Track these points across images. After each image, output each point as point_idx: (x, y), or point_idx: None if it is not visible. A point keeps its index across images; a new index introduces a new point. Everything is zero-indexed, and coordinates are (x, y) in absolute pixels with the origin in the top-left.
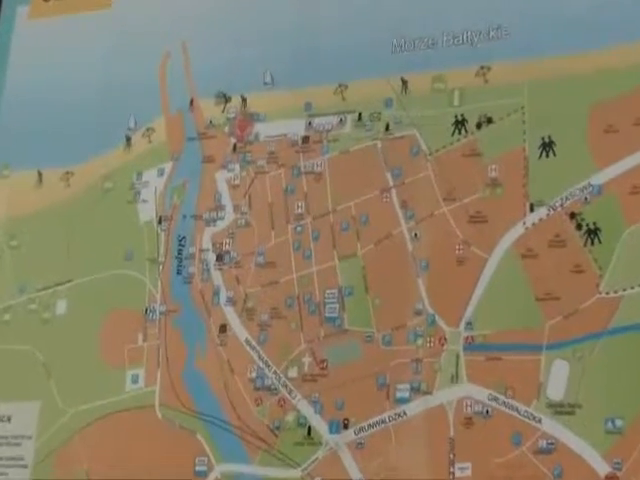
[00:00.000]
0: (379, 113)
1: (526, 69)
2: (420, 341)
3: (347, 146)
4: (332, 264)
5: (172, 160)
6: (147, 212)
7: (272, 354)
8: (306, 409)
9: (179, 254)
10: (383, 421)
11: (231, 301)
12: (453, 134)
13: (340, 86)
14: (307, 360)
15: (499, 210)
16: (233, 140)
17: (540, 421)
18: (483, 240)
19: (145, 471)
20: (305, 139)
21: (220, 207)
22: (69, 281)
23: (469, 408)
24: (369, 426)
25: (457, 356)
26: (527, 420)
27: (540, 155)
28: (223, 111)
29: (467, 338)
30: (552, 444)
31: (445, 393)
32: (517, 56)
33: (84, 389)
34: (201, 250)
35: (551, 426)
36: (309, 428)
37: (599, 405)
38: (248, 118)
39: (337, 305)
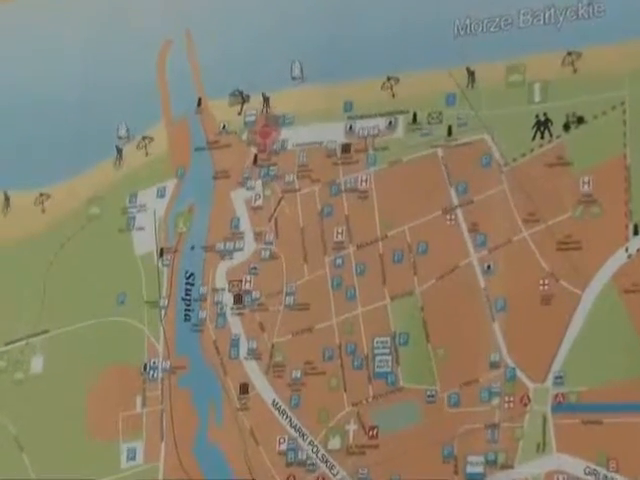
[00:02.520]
0: (439, 113)
1: (627, 55)
2: (496, 401)
3: (399, 155)
4: (382, 304)
5: (176, 177)
6: (144, 243)
7: (307, 420)
8: None
9: (186, 295)
10: None
11: (254, 354)
12: (534, 138)
13: (389, 80)
14: (352, 427)
15: (595, 234)
16: (253, 150)
17: None
18: (575, 272)
19: None
20: (345, 147)
21: (238, 235)
22: (46, 332)
23: None
24: None
25: (544, 419)
26: None
27: None
28: (240, 113)
29: (557, 396)
30: None
31: (530, 466)
32: (615, 39)
33: (67, 468)
34: (214, 290)
35: None
36: None
37: None
38: (272, 122)
39: (389, 357)
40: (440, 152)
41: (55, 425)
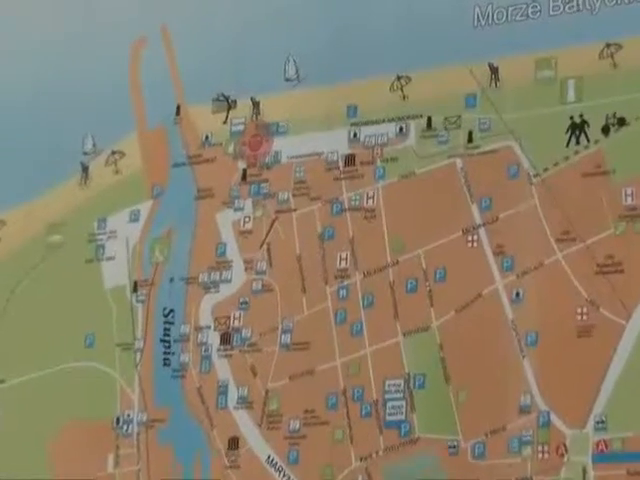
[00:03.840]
0: (458, 117)
1: None
2: (528, 451)
3: (411, 167)
4: (394, 342)
5: (151, 197)
6: (115, 275)
7: (309, 479)
8: None
9: (165, 336)
10: None
11: (245, 402)
12: (568, 144)
13: (399, 79)
14: None
15: None
16: (242, 164)
17: None
18: (618, 299)
19: None
20: (349, 159)
21: (225, 264)
22: (1, 382)
23: None
24: None
25: (584, 471)
26: None
27: None
28: (225, 122)
29: (598, 444)
30: None
31: None
32: None
33: None
34: (198, 328)
35: None
36: None
37: None
38: (263, 131)
39: (403, 403)
40: (459, 162)
41: None
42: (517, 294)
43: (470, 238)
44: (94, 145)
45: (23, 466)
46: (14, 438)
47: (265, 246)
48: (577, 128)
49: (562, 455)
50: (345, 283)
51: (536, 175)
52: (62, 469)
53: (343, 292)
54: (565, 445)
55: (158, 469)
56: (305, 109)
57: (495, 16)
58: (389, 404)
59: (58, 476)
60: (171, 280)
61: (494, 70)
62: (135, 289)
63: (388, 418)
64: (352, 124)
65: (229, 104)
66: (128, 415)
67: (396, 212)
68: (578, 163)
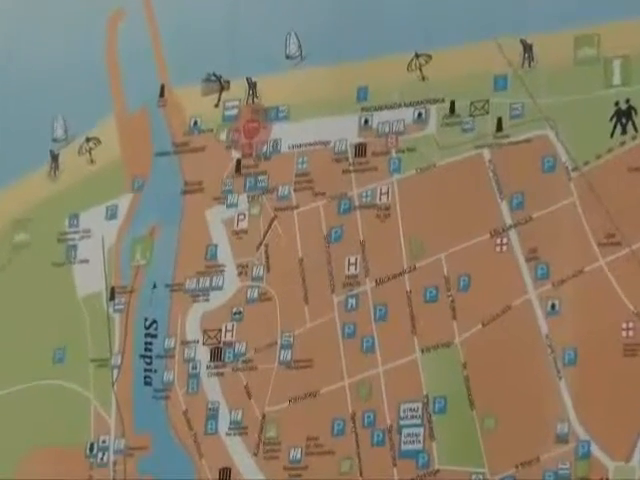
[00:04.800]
0: (485, 102)
1: None
2: None
3: (431, 159)
4: (411, 360)
5: (131, 191)
6: (90, 281)
7: None
8: None
9: (147, 351)
10: None
11: (238, 428)
12: (613, 134)
13: (417, 57)
14: None
15: None
16: (236, 154)
17: None
18: None
19: None
20: (359, 149)
21: (216, 269)
22: None
23: None
24: None
25: None
26: None
27: None
28: (217, 105)
29: None
30: None
31: None
32: None
33: None
34: (184, 342)
35: None
36: None
37: None
38: (260, 116)
39: (421, 429)
40: (487, 153)
41: None
42: (553, 306)
43: (499, 241)
44: (65, 131)
45: None
46: None
47: (262, 248)
48: (623, 115)
49: None
50: (354, 292)
51: (575, 169)
52: None
53: (352, 302)
54: (609, 479)
55: None
56: (309, 91)
57: None
58: (405, 431)
59: None
60: (154, 287)
61: (528, 48)
62: (112, 297)
63: (403, 447)
64: (363, 109)
65: (221, 85)
66: (103, 442)
67: (414, 210)
68: (624, 156)
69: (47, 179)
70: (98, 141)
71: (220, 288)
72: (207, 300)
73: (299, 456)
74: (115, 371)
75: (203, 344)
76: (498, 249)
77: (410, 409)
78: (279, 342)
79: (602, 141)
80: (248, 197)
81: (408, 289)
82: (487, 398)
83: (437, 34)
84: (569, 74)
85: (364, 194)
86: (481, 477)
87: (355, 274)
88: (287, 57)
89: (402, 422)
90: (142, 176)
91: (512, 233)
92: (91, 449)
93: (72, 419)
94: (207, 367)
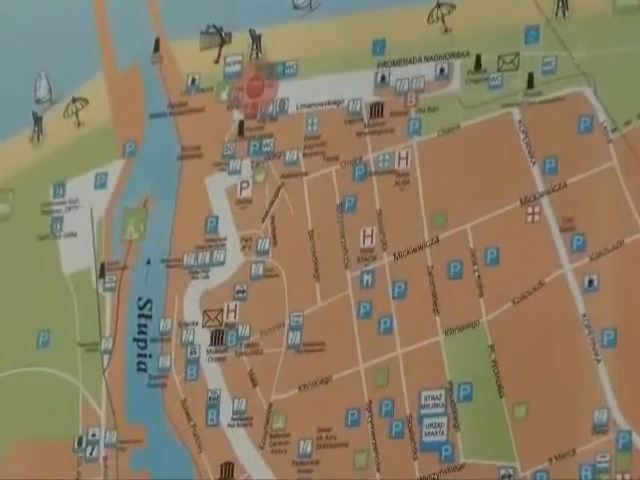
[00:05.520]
0: (515, 55)
1: None
2: None
3: (455, 119)
4: (433, 342)
5: (123, 157)
6: (77, 256)
7: None
8: None
9: (140, 333)
10: None
11: (242, 418)
12: None
13: (439, 7)
14: None
15: None
16: (238, 115)
17: None
18: None
19: None
20: (375, 109)
21: (216, 243)
22: None
23: None
24: None
25: None
26: None
27: None
28: (217, 61)
29: None
30: None
31: None
32: None
33: None
34: (182, 324)
35: None
36: None
37: None
38: (265, 73)
39: (444, 419)
40: (517, 113)
41: None
42: (590, 281)
43: (530, 210)
44: (50, 91)
45: None
46: None
47: (268, 219)
48: None
49: None
50: (370, 267)
51: (615, 130)
52: None
53: (368, 278)
54: None
55: None
56: (319, 45)
57: None
58: (426, 421)
59: None
60: (148, 262)
61: None
62: (102, 274)
63: (425, 439)
64: (379, 64)
65: (222, 38)
66: (93, 435)
67: (436, 176)
68: None
69: (29, 144)
70: (86, 101)
71: (221, 264)
72: (207, 277)
73: (309, 449)
74: (106, 356)
75: (203, 326)
76: (529, 219)
77: (432, 397)
78: (287, 323)
79: None
80: (252, 163)
81: (430, 264)
82: (517, 384)
83: None
84: (607, 24)
85: (381, 159)
86: (511, 472)
87: (371, 247)
88: (295, 7)
89: (423, 411)
90: (135, 140)
91: (545, 201)
92: (79, 443)
93: (58, 410)
94: (207, 351)
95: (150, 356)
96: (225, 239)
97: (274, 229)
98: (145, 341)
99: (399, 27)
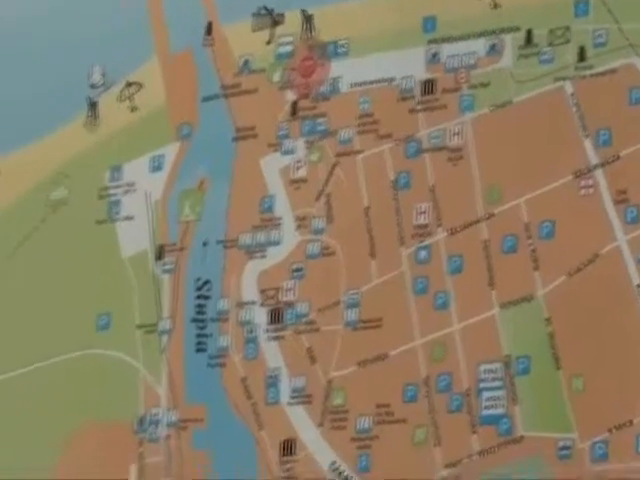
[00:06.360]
0: (565, 29)
1: None
2: None
3: (507, 94)
4: (489, 316)
5: (178, 139)
6: (135, 239)
7: None
8: None
9: (199, 314)
10: None
11: (301, 396)
12: None
13: None
14: None
15: None
16: (291, 95)
17: None
18: None
19: None
20: (427, 86)
21: (272, 222)
22: None
23: None
24: None
25: None
26: None
27: None
28: (269, 42)
29: None
30: None
31: None
32: None
33: None
34: (240, 304)
35: None
36: None
37: None
38: (317, 53)
39: (502, 392)
40: (569, 86)
41: None
42: None
43: (584, 183)
44: (104, 75)
45: None
46: (9, 447)
47: (323, 198)
48: None
49: None
50: (425, 243)
51: None
52: None
53: (423, 254)
54: None
55: None
56: (370, 23)
57: None
58: (484, 395)
59: None
60: (205, 244)
61: None
62: (160, 256)
63: (484, 413)
64: (430, 41)
65: (274, 19)
66: (154, 414)
67: (489, 152)
68: None
69: (85, 129)
70: (140, 86)
71: (278, 243)
72: (264, 257)
73: (368, 425)
74: (165, 337)
75: (261, 305)
76: (583, 192)
77: (490, 370)
78: (344, 301)
79: None
80: (306, 142)
81: (484, 238)
82: (574, 356)
83: None
84: None
85: (433, 135)
86: (570, 443)
87: (426, 223)
88: None
89: (481, 385)
90: (189, 123)
91: (598, 173)
92: (141, 423)
93: (119, 391)
94: (266, 330)
95: (209, 336)
96: (281, 219)
97: (329, 207)
98: (204, 321)
99: (449, 4)
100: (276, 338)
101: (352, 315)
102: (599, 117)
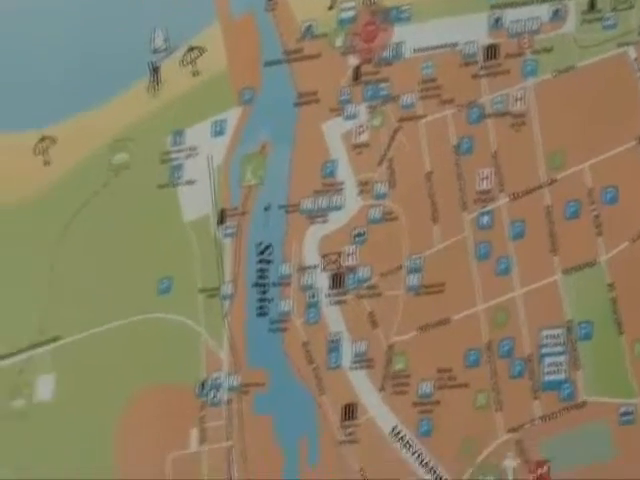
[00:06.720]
0: None
1: None
2: None
3: (570, 59)
4: (551, 281)
5: (240, 104)
6: (196, 203)
7: (444, 455)
8: None
9: (261, 279)
10: None
11: (363, 360)
12: None
13: None
14: (511, 464)
15: None
16: (353, 60)
17: None
18: None
19: None
20: (490, 51)
21: (334, 187)
22: (55, 339)
23: None
24: None
25: None
26: None
27: None
28: (332, 7)
29: None
30: None
31: None
32: None
33: None
34: (302, 269)
35: None
36: None
37: None
38: (380, 18)
39: (564, 358)
40: (632, 52)
41: (71, 476)
42: None
43: None
44: (166, 40)
45: (83, 445)
46: (71, 409)
47: (385, 163)
48: None
49: None
50: (488, 208)
51: None
52: (133, 447)
53: (485, 219)
54: None
55: (255, 445)
56: None
57: None
58: (546, 360)
59: (127, 457)
60: (267, 208)
61: None
62: (222, 220)
63: (545, 378)
64: (493, 6)
65: None
66: (216, 379)
67: (552, 117)
68: None
69: (147, 94)
70: (202, 50)
71: (339, 208)
72: (326, 221)
73: (430, 390)
74: (226, 302)
75: (322, 270)
76: None
77: (552, 336)
78: (406, 266)
79: None
80: (368, 107)
81: (548, 204)
82: (637, 322)
83: None
84: None
85: (496, 101)
86: (632, 409)
87: (488, 189)
88: None
89: (543, 350)
90: (251, 87)
91: None
92: (202, 387)
93: (181, 355)
94: (327, 295)
95: (271, 300)
96: (343, 183)
97: (391, 172)
98: (265, 286)
99: None
100: (338, 303)
101: (414, 280)
102: None
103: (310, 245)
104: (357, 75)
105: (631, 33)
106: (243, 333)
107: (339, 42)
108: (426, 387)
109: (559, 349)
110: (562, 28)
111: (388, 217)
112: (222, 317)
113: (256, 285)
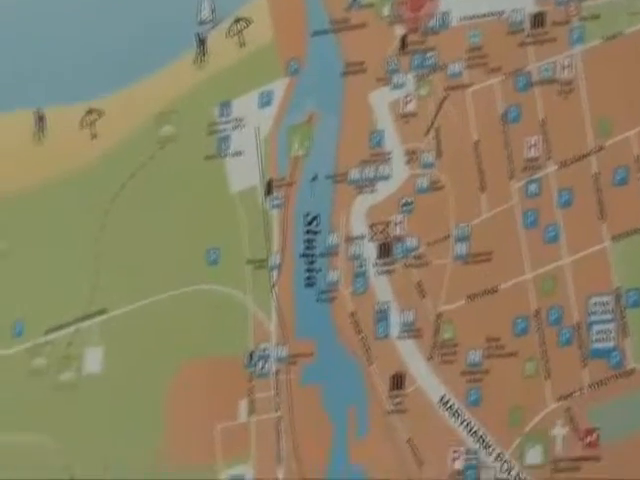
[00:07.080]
0: None
1: None
2: None
3: (618, 26)
4: (599, 249)
5: (286, 75)
6: (244, 174)
7: (492, 424)
8: None
9: (308, 249)
10: None
11: (411, 330)
12: None
13: None
14: (560, 432)
15: None
16: (400, 30)
17: None
18: None
19: None
20: (537, 19)
21: (382, 157)
22: (103, 312)
23: None
24: None
25: None
26: None
27: None
28: None
29: None
30: None
31: None
32: None
33: None
34: (349, 239)
35: None
36: None
37: None
38: None
39: (612, 325)
40: None
41: (120, 447)
42: None
43: None
44: (213, 11)
45: (131, 416)
46: (119, 381)
47: (432, 132)
48: None
49: None
50: (536, 176)
51: None
52: (182, 419)
53: (533, 188)
54: None
55: (304, 416)
56: None
57: None
58: (595, 328)
59: (176, 427)
60: (314, 178)
61: None
62: (269, 191)
63: (594, 346)
64: None
65: None
66: (264, 350)
67: (600, 85)
68: None
69: (193, 66)
70: (249, 21)
71: (387, 178)
72: (373, 191)
73: (478, 359)
74: (274, 272)
75: (370, 240)
76: None
77: (600, 303)
78: (454, 234)
79: None
80: (415, 76)
81: (595, 171)
82: None
83: None
84: None
85: (543, 68)
86: None
87: (536, 157)
88: None
89: (592, 318)
90: (298, 58)
91: None
92: (250, 358)
93: (228, 326)
94: (375, 264)
95: (319, 271)
96: (390, 153)
97: (438, 141)
98: (313, 256)
99: None
100: (385, 272)
101: (462, 249)
102: None
103: (357, 215)
104: (404, 45)
105: None
106: (291, 304)
107: (386, 12)
108: (474, 356)
109: (607, 316)
110: None
111: (435, 186)
112: (270, 288)
113: (304, 256)
